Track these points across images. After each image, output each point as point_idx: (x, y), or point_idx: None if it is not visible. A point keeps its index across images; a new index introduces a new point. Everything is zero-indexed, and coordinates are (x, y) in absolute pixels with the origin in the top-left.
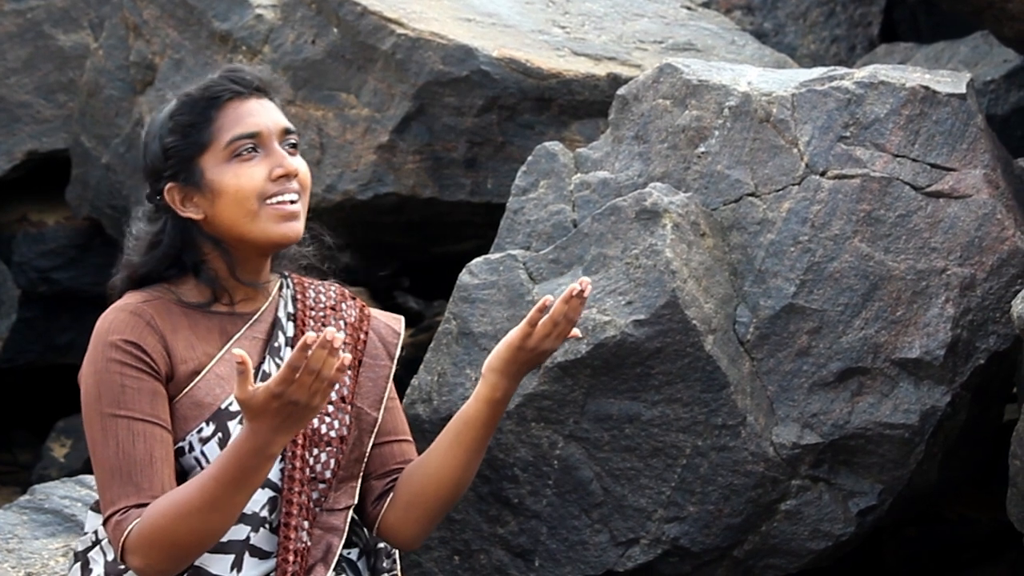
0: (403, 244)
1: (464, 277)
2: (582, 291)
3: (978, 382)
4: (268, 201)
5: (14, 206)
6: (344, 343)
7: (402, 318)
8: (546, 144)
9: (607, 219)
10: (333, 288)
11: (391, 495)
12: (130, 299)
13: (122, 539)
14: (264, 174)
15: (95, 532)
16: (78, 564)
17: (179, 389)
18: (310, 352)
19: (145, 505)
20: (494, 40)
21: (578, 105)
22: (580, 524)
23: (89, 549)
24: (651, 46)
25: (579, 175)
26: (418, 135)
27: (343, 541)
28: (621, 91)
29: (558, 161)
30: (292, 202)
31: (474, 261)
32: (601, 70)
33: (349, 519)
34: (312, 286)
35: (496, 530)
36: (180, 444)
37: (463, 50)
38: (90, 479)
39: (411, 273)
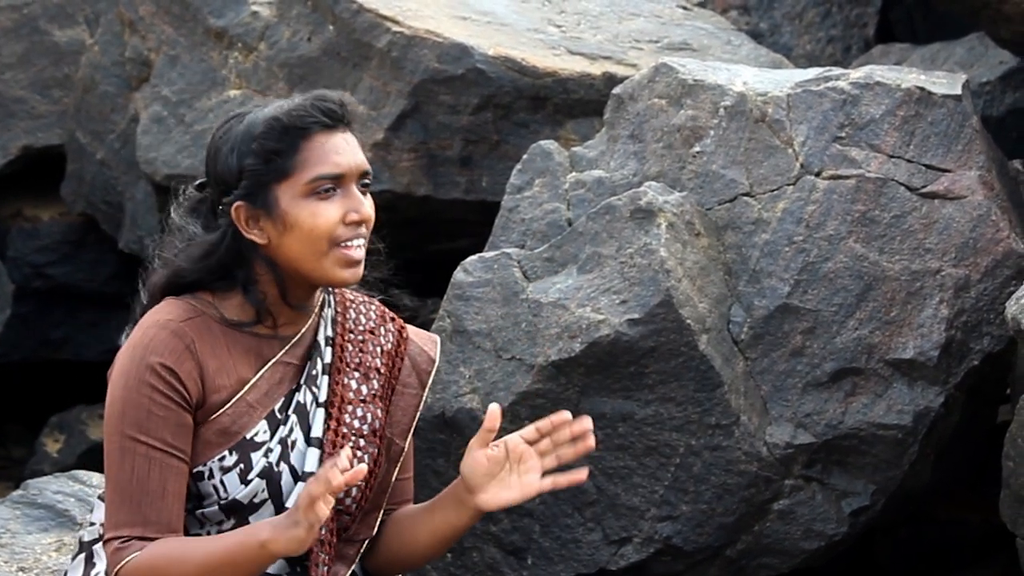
0: (398, 242)
1: (459, 275)
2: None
3: (972, 383)
4: (338, 245)
5: (9, 201)
6: (378, 371)
7: (438, 339)
8: (541, 143)
9: (602, 218)
10: (374, 307)
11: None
12: (172, 313)
13: (117, 569)
14: (339, 216)
15: (102, 525)
16: (82, 556)
17: (208, 415)
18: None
19: (147, 539)
20: (490, 38)
21: (573, 104)
22: (573, 522)
23: (95, 542)
24: (647, 45)
25: (574, 174)
26: (413, 133)
27: (350, 572)
28: (617, 90)
29: (553, 160)
30: (358, 247)
31: (469, 259)
32: (597, 69)
33: (361, 551)
34: (353, 305)
35: (489, 528)
36: (200, 468)
37: (459, 48)
38: (83, 474)
39: (406, 271)
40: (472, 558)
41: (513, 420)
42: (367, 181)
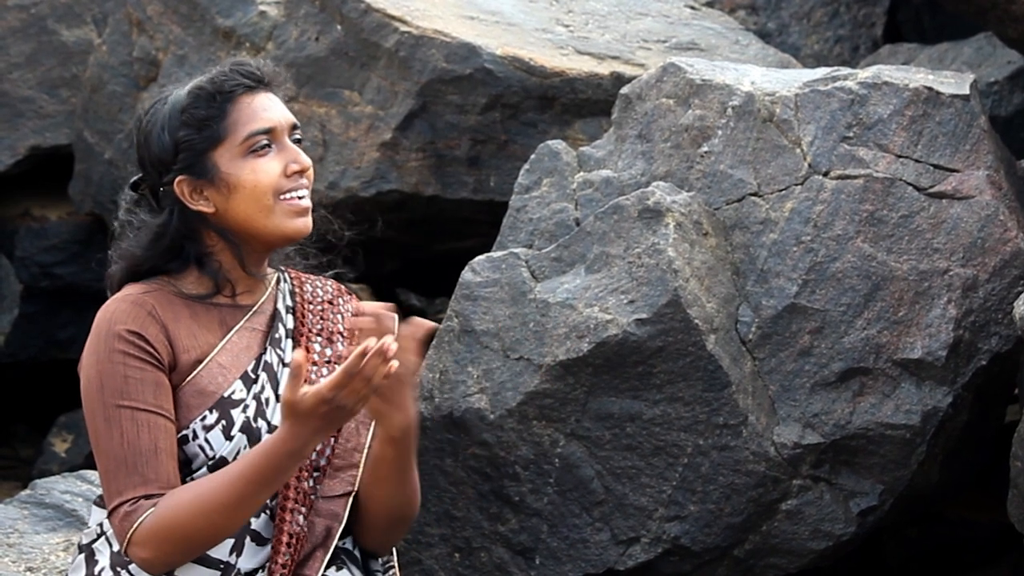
0: (405, 241)
1: (466, 275)
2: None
3: (980, 383)
4: (283, 196)
5: (17, 201)
6: (342, 335)
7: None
8: (549, 143)
9: (610, 218)
10: (330, 283)
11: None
12: (130, 290)
13: (130, 531)
14: (279, 169)
15: (99, 525)
16: (82, 556)
17: (182, 378)
18: (366, 359)
19: (153, 496)
20: (498, 38)
21: (581, 104)
22: (581, 522)
23: (94, 541)
24: (655, 45)
25: (582, 174)
26: (421, 133)
27: (343, 527)
28: (624, 90)
29: (561, 160)
30: (302, 197)
31: (476, 259)
32: (604, 69)
33: (349, 506)
34: (309, 281)
35: (497, 528)
36: (184, 432)
37: (467, 48)
38: (91, 474)
39: (413, 270)
40: (480, 558)
41: (521, 420)
42: (299, 136)
